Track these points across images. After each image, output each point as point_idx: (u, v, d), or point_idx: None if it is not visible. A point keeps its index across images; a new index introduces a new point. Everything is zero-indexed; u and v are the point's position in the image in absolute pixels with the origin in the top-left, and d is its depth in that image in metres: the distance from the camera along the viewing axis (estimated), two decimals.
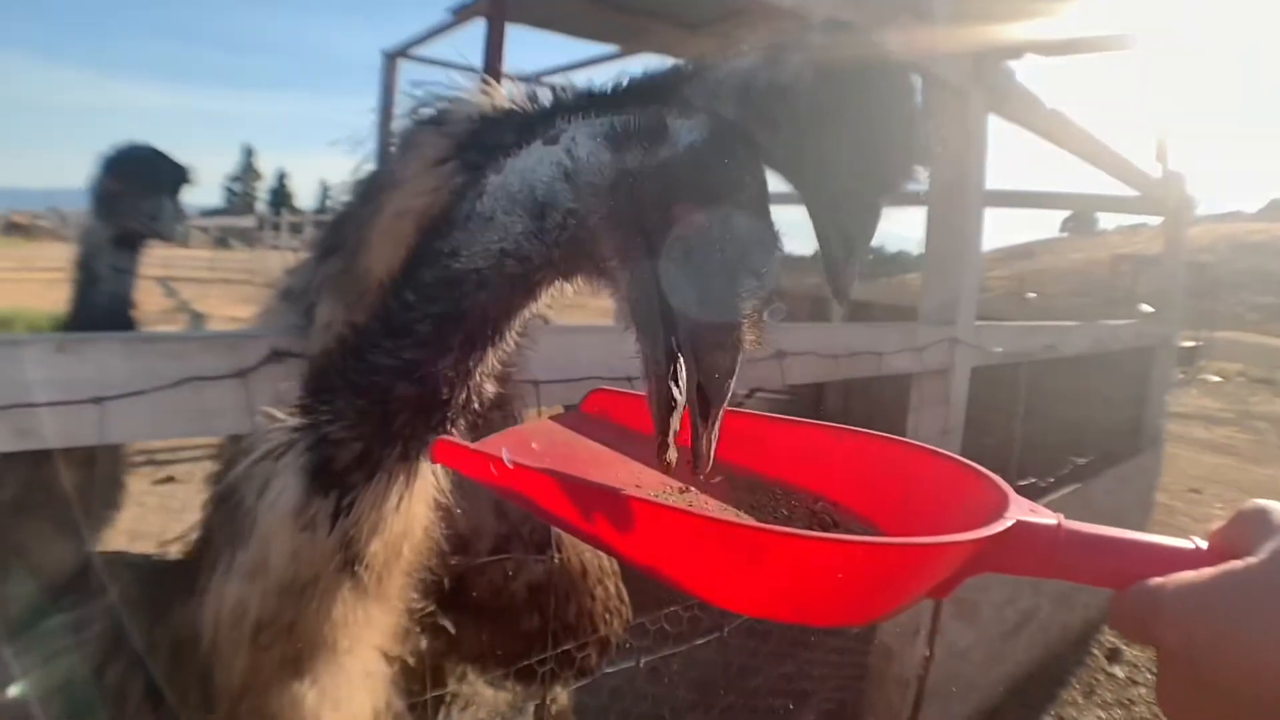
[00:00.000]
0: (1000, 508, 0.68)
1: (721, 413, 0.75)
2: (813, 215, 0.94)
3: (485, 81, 0.94)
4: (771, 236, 0.76)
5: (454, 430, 0.85)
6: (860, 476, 0.84)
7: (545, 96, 0.92)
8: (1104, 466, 4.08)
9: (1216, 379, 16.22)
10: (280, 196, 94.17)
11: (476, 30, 4.33)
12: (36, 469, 1.57)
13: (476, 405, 0.86)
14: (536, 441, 0.83)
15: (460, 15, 4.67)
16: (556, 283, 0.85)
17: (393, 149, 0.97)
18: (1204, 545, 0.60)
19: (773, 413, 0.91)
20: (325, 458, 0.82)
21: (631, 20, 4.89)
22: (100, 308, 1.88)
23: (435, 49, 5.29)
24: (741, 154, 0.77)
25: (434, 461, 0.77)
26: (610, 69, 5.68)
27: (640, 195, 0.75)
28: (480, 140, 0.88)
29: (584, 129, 0.80)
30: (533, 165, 0.81)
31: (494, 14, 4.22)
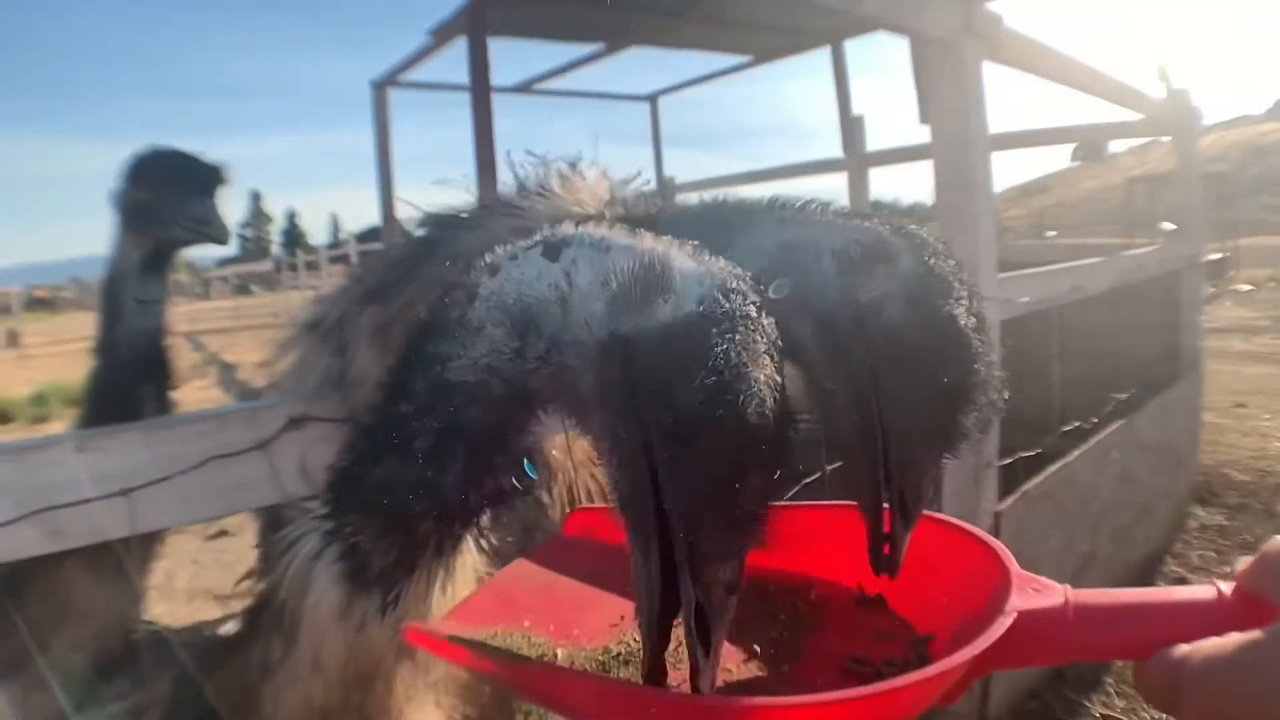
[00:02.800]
0: (1001, 583, 0.63)
1: (723, 640, 0.63)
2: (863, 468, 0.85)
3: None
4: (787, 430, 0.63)
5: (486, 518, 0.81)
6: (860, 554, 0.79)
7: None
8: (1146, 398, 4.01)
9: (1248, 287, 15.94)
10: (293, 236, 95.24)
11: (460, 49, 4.33)
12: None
13: (503, 500, 0.80)
14: (514, 594, 0.80)
15: (440, 35, 4.66)
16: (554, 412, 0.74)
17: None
18: (1228, 590, 0.56)
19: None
20: (360, 564, 0.80)
21: (614, 15, 4.86)
22: (134, 347, 1.67)
23: (422, 73, 5.30)
24: (757, 322, 0.63)
25: (409, 643, 0.73)
26: (598, 67, 5.68)
27: (634, 368, 0.63)
28: None
29: (587, 252, 0.68)
30: (531, 279, 0.70)
31: (474, 30, 4.21)
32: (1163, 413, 4.20)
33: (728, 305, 0.62)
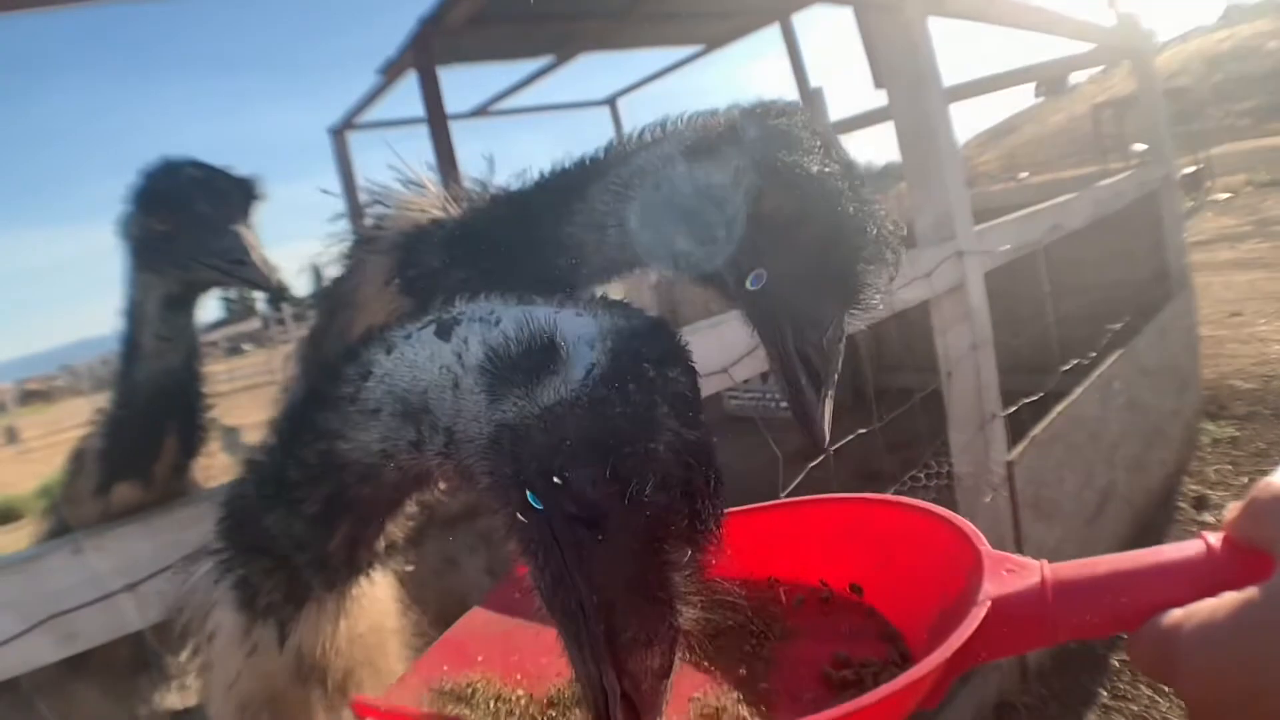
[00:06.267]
0: (973, 568, 0.60)
1: None
2: (770, 346, 0.87)
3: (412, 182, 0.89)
4: (706, 491, 0.59)
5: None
6: (832, 548, 0.78)
7: (465, 199, 0.84)
8: (1141, 324, 4.01)
9: (1226, 195, 15.92)
10: (275, 292, 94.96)
11: (412, 83, 4.31)
12: None
13: (384, 549, 0.83)
14: (467, 647, 0.78)
15: (390, 73, 4.65)
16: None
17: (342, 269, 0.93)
18: (1217, 543, 0.52)
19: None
20: (251, 594, 0.80)
21: (559, 26, 4.85)
22: (155, 388, 1.30)
23: (378, 112, 5.28)
24: (655, 381, 0.59)
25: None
26: (553, 79, 5.66)
27: (523, 460, 0.59)
28: (413, 261, 0.83)
29: (476, 329, 0.66)
30: (423, 361, 0.67)
31: (422, 63, 4.20)
32: (1160, 335, 4.19)
33: (619, 367, 0.59)
